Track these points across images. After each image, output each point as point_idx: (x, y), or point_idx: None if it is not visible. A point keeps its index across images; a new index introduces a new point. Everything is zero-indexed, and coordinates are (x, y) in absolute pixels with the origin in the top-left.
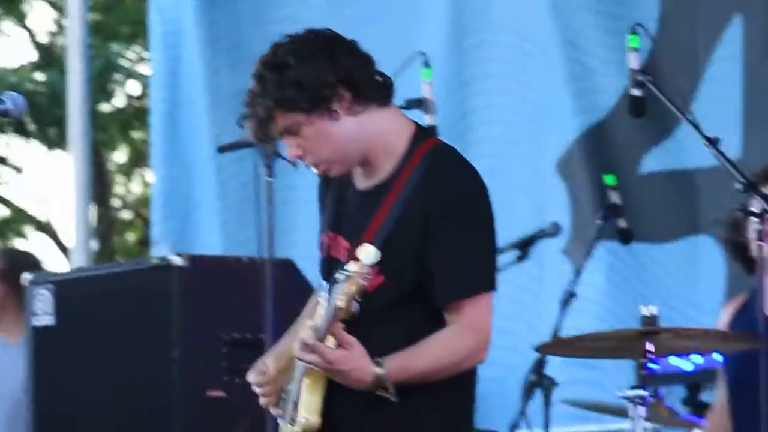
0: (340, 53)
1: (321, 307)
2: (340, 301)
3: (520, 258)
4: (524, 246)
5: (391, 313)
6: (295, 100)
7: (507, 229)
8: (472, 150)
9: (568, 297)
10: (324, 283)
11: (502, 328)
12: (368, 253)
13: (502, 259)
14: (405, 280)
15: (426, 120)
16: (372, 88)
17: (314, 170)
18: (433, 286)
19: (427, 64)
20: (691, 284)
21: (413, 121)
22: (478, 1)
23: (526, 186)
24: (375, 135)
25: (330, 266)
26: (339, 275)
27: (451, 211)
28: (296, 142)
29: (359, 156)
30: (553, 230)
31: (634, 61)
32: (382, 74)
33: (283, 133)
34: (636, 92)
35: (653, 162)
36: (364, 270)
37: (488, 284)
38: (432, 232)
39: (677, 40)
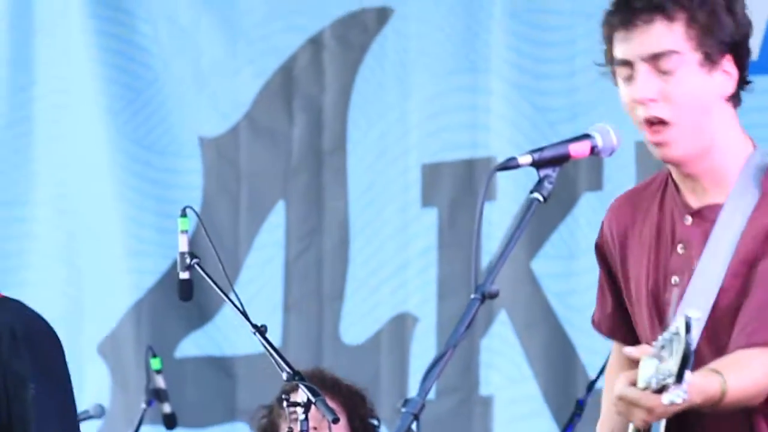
0: None
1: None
2: None
3: None
4: None
5: None
6: None
7: None
8: None
9: None
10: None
11: None
12: None
13: None
14: None
15: None
16: None
17: None
18: None
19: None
20: None
21: None
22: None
23: None
24: None
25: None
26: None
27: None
28: None
29: None
30: (98, 412)
31: (183, 244)
32: None
33: None
34: (185, 275)
35: (192, 346)
36: None
37: None
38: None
39: (220, 224)
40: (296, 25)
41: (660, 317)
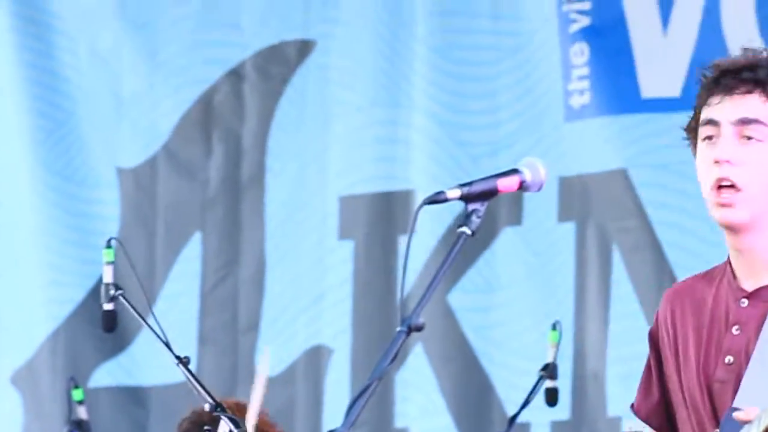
0: None
1: None
2: None
3: None
4: None
5: None
6: None
7: None
8: None
9: None
10: None
11: None
12: None
13: None
14: None
15: None
16: None
17: None
18: None
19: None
20: None
21: None
22: None
23: None
24: None
25: None
26: None
27: None
28: None
29: None
30: None
31: (108, 275)
32: None
33: None
34: (109, 306)
35: (105, 376)
36: None
37: None
38: None
39: (136, 255)
40: (217, 57)
41: (710, 395)
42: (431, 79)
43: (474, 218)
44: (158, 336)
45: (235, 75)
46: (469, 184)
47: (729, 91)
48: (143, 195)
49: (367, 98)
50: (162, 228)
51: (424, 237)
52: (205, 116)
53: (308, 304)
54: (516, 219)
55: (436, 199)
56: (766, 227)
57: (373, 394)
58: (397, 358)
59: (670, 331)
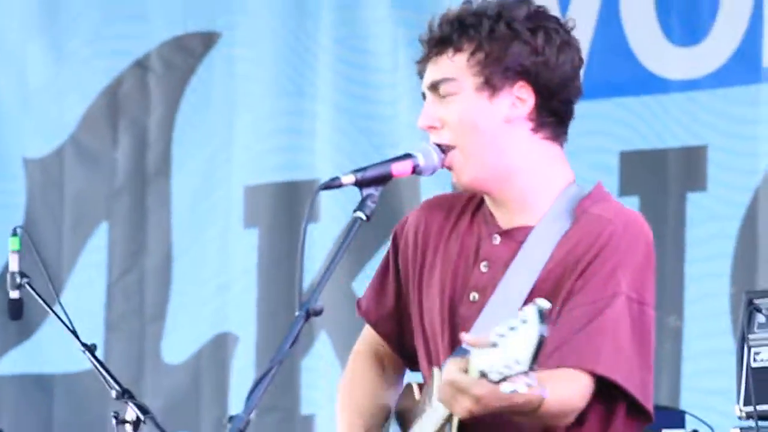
0: None
1: None
2: None
3: None
4: None
5: None
6: None
7: None
8: None
9: None
10: None
11: None
12: None
13: None
14: None
15: None
16: None
17: None
18: None
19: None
20: None
21: None
22: None
23: None
24: None
25: None
26: None
27: None
28: None
29: None
30: None
31: (14, 263)
32: None
33: None
34: (15, 295)
35: (9, 364)
36: None
37: None
38: None
39: (43, 245)
40: (122, 48)
41: (452, 331)
42: (335, 69)
43: (369, 203)
44: (64, 323)
45: (140, 66)
46: (364, 169)
47: (425, 59)
48: (50, 185)
49: (271, 89)
50: (69, 218)
51: (329, 225)
52: (111, 107)
53: (214, 292)
54: (417, 203)
55: (331, 184)
56: (505, 178)
57: (274, 378)
58: (297, 342)
59: (420, 246)
